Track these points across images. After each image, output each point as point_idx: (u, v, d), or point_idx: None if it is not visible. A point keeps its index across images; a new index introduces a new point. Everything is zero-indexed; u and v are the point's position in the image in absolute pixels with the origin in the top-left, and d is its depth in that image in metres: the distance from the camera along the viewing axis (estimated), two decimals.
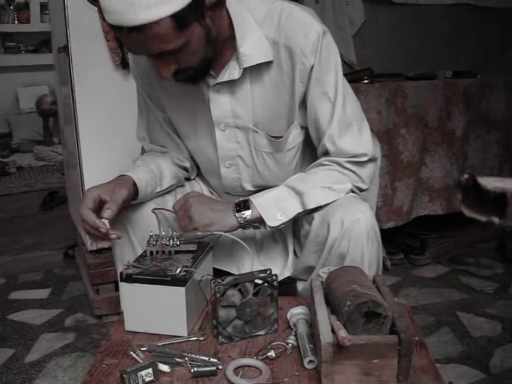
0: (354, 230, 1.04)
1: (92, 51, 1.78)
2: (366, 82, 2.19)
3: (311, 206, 1.11)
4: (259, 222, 1.13)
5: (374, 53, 2.82)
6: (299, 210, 1.12)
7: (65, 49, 1.83)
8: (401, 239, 2.45)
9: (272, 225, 1.11)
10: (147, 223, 1.14)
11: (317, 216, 1.11)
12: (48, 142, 4.68)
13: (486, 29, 3.08)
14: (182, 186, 1.31)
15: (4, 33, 5.19)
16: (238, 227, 1.11)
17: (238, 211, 1.11)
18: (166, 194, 1.22)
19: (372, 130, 1.21)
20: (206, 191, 1.35)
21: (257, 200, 1.12)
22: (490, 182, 0.64)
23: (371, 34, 2.81)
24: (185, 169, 1.30)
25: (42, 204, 3.25)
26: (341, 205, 1.10)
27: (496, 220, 0.64)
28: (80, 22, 1.75)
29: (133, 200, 1.13)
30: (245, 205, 1.12)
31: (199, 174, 1.37)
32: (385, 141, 2.16)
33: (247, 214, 1.10)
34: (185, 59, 1.01)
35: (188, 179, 1.33)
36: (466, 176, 0.66)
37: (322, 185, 1.12)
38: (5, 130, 5.07)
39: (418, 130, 2.24)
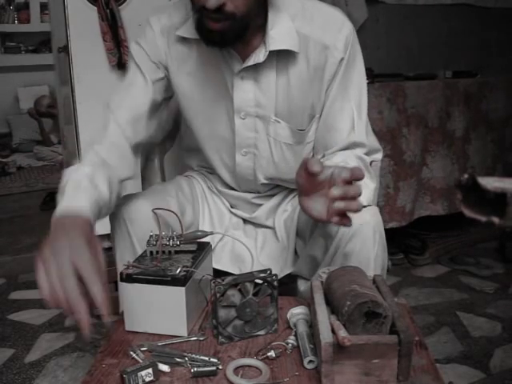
0: (362, 232, 1.03)
1: (92, 51, 1.78)
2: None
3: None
4: None
5: (374, 53, 2.81)
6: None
7: (65, 49, 1.84)
8: (401, 239, 2.45)
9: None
10: (147, 223, 1.14)
11: None
12: (47, 143, 4.67)
13: (486, 29, 3.08)
14: (183, 188, 1.28)
15: (4, 33, 5.19)
16: None
17: None
18: (167, 195, 1.21)
19: (373, 129, 1.20)
20: (206, 190, 1.34)
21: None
22: (490, 182, 0.64)
23: (371, 34, 2.80)
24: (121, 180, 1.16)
25: (42, 204, 3.25)
26: None
27: (496, 220, 0.64)
28: (80, 22, 1.76)
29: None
30: None
31: (198, 173, 1.36)
32: (387, 140, 2.16)
33: None
34: None
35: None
36: (465, 176, 0.66)
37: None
38: (5, 130, 5.07)
39: (418, 130, 2.24)
